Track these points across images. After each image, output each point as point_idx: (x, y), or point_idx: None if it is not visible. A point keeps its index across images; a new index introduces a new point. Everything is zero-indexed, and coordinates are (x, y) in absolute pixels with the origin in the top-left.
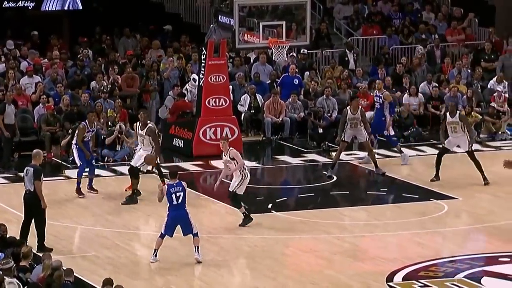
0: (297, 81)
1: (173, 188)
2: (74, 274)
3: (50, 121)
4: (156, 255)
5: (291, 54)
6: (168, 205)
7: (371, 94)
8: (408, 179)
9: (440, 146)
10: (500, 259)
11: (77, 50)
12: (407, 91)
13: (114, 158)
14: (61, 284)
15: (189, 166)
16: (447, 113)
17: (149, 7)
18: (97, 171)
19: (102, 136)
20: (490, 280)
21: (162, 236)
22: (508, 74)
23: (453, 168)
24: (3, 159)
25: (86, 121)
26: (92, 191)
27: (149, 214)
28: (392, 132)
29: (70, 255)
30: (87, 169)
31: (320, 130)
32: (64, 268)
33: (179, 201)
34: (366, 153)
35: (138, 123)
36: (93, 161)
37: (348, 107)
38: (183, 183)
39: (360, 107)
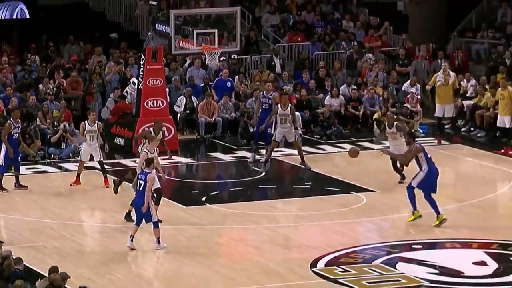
0: (229, 84)
1: (140, 175)
2: (23, 262)
3: (0, 121)
4: (132, 240)
5: (221, 59)
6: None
7: (296, 96)
8: (331, 174)
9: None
10: (413, 246)
11: (26, 56)
12: (329, 93)
13: (59, 156)
14: (11, 271)
15: (129, 162)
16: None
17: (92, 16)
18: (44, 168)
19: (48, 135)
20: (404, 265)
21: (136, 223)
22: (420, 77)
23: (371, 163)
24: None
25: (11, 118)
26: (21, 187)
27: (93, 207)
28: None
29: (19, 245)
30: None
31: (251, 129)
32: (14, 257)
33: (140, 188)
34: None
35: (86, 121)
36: (19, 158)
37: (279, 104)
38: (149, 175)
39: (290, 104)
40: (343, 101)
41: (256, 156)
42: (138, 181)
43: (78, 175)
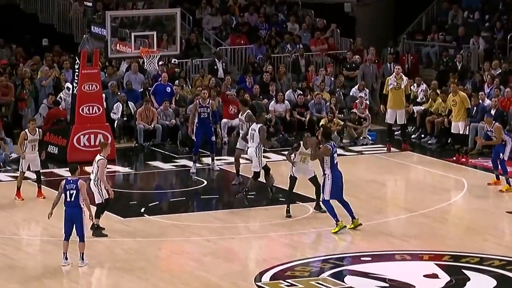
0: (169, 89)
1: (68, 185)
2: None
3: None
4: (66, 258)
5: (160, 63)
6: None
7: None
8: (275, 183)
9: None
10: (362, 258)
11: None
12: (274, 98)
13: None
14: None
15: (64, 172)
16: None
17: (23, 18)
18: None
19: None
20: (353, 279)
21: (65, 238)
22: (368, 82)
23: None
24: None
25: None
26: None
27: (24, 219)
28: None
29: None
30: None
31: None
32: None
33: (72, 198)
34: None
35: (27, 130)
36: None
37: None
38: (80, 181)
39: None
40: (288, 106)
41: (197, 165)
42: (67, 191)
43: (19, 188)
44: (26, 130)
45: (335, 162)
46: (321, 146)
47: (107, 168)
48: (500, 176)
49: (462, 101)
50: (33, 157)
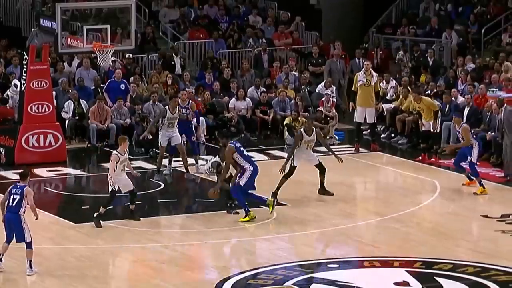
0: (123, 86)
1: (14, 189)
2: None
3: None
4: (1, 260)
5: (114, 59)
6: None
7: (198, 99)
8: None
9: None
10: (329, 265)
11: None
12: (235, 95)
13: None
14: None
15: (11, 174)
16: (303, 132)
17: None
18: None
19: None
20: (319, 287)
21: (6, 240)
22: (335, 78)
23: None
24: None
25: None
26: None
27: None
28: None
29: None
30: None
31: (149, 136)
32: None
33: (14, 203)
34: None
35: None
36: None
37: (167, 107)
38: (26, 188)
39: (177, 107)
40: (250, 104)
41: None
42: (11, 195)
43: None
44: None
45: (247, 154)
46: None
47: (58, 171)
48: (472, 177)
49: (428, 106)
50: None
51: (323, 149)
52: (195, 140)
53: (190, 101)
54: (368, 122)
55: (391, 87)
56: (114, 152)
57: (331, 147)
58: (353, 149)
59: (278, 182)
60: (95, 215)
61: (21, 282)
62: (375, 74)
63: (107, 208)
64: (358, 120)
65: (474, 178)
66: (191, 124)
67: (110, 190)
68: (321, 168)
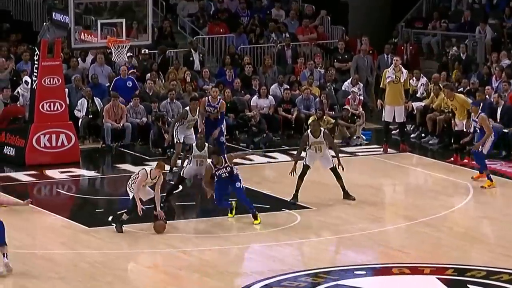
0: (130, 83)
1: None
2: None
3: None
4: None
5: (129, 55)
6: None
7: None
8: (259, 188)
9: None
10: (355, 272)
11: None
12: (257, 93)
13: None
14: None
15: (22, 176)
16: (310, 133)
17: None
18: None
19: None
20: None
21: None
22: (363, 75)
23: (306, 176)
24: None
25: None
26: None
27: None
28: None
29: None
30: None
31: (166, 136)
32: None
33: None
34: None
35: None
36: None
37: (188, 108)
38: None
39: (198, 108)
40: (273, 102)
41: (173, 169)
42: None
43: None
44: None
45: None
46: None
47: (70, 172)
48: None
49: (461, 104)
50: None
51: (350, 149)
52: (224, 141)
53: (221, 99)
54: (397, 121)
55: (421, 84)
56: (144, 171)
57: (356, 147)
58: (381, 149)
59: (296, 185)
60: (110, 218)
61: None
62: (404, 71)
63: (130, 216)
64: (386, 119)
65: (481, 170)
66: (220, 123)
67: (131, 197)
68: (335, 172)
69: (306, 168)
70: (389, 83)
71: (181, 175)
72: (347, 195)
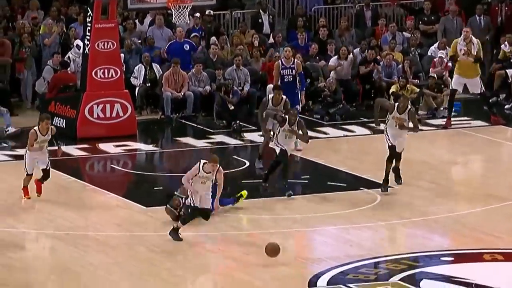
0: (187, 46)
1: None
2: None
3: None
4: None
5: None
6: None
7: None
8: (334, 165)
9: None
10: (442, 258)
11: None
12: (337, 56)
13: None
14: None
15: (73, 150)
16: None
17: None
18: None
19: None
20: (430, 283)
21: None
22: (451, 38)
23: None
24: None
25: None
26: None
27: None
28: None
29: None
30: None
31: (231, 107)
32: None
33: None
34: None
35: (37, 129)
36: None
37: (271, 97)
38: None
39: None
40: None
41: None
42: None
43: (26, 187)
44: (36, 128)
45: None
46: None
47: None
48: None
49: None
50: (41, 155)
51: (437, 121)
52: (299, 109)
53: (296, 60)
54: (475, 92)
55: None
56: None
57: (443, 119)
58: (490, 121)
59: (385, 169)
60: (171, 231)
61: (84, 275)
62: (475, 41)
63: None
64: (454, 86)
65: None
66: (296, 89)
67: (191, 205)
68: (398, 155)
69: (393, 149)
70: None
71: (281, 153)
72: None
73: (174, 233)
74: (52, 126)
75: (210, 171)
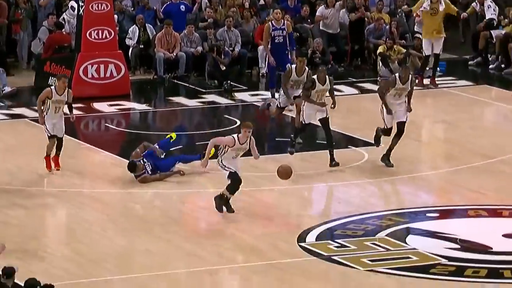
0: (183, 7)
1: None
2: None
3: None
4: None
5: None
6: None
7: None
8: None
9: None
10: (427, 214)
11: None
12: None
13: None
14: None
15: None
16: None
17: None
18: None
19: None
20: (416, 239)
21: None
22: None
23: (375, 110)
24: None
25: None
26: None
27: (20, 166)
28: None
29: None
30: None
31: (222, 67)
32: None
33: None
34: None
35: (54, 88)
36: None
37: (293, 66)
38: None
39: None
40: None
41: (229, 101)
42: None
43: (49, 155)
44: (53, 87)
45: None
46: None
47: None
48: None
49: None
50: (55, 121)
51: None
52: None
53: (285, 21)
54: (435, 53)
55: (488, 7)
56: (231, 137)
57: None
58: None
59: (390, 144)
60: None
61: (80, 231)
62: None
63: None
64: (426, 52)
65: None
66: (287, 50)
67: (228, 174)
68: (401, 130)
69: (402, 124)
70: (425, 14)
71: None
72: (386, 159)
73: (220, 200)
74: (70, 90)
75: (245, 140)
